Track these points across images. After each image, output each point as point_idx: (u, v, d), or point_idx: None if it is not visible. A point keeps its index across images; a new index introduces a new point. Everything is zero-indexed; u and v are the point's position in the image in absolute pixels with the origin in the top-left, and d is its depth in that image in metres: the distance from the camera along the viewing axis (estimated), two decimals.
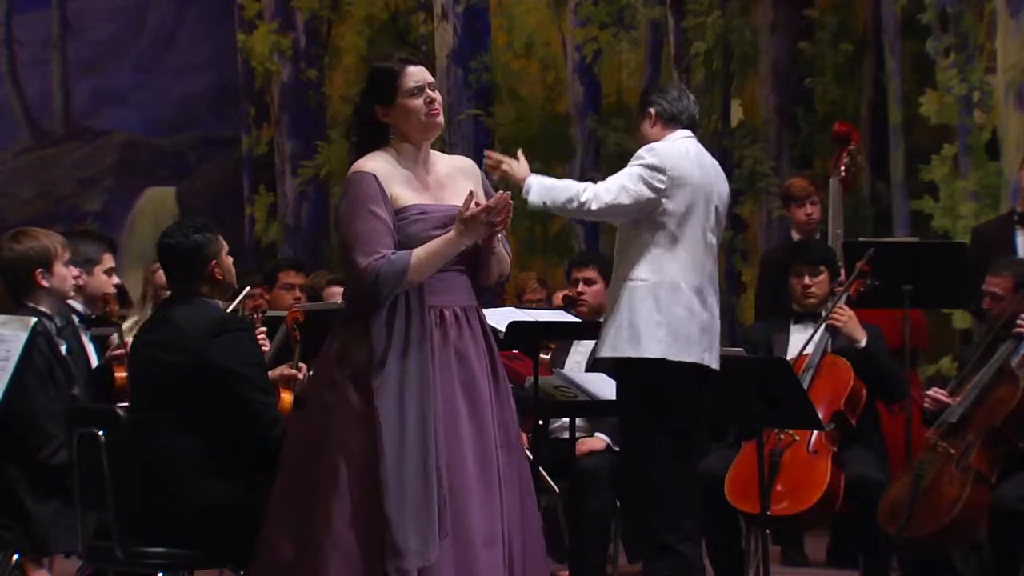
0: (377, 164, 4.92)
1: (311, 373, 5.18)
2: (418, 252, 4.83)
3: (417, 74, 4.98)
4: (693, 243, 6.15)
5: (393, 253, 4.82)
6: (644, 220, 6.12)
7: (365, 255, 4.80)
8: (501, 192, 4.89)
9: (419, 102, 4.94)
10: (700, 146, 6.30)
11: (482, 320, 5.00)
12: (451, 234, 4.86)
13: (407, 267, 4.80)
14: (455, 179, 5.03)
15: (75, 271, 6.20)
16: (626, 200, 6.08)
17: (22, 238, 6.13)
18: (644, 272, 6.11)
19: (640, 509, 6.31)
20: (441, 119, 5.01)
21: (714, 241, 6.25)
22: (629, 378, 6.19)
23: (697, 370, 6.12)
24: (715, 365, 6.17)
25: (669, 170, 6.10)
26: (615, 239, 6.34)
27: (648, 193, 6.09)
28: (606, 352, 6.19)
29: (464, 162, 5.14)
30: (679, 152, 6.17)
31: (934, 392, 6.66)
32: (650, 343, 6.06)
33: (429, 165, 5.02)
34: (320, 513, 4.78)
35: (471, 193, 4.90)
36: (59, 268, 6.10)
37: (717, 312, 6.23)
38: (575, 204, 6.09)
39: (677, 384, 6.09)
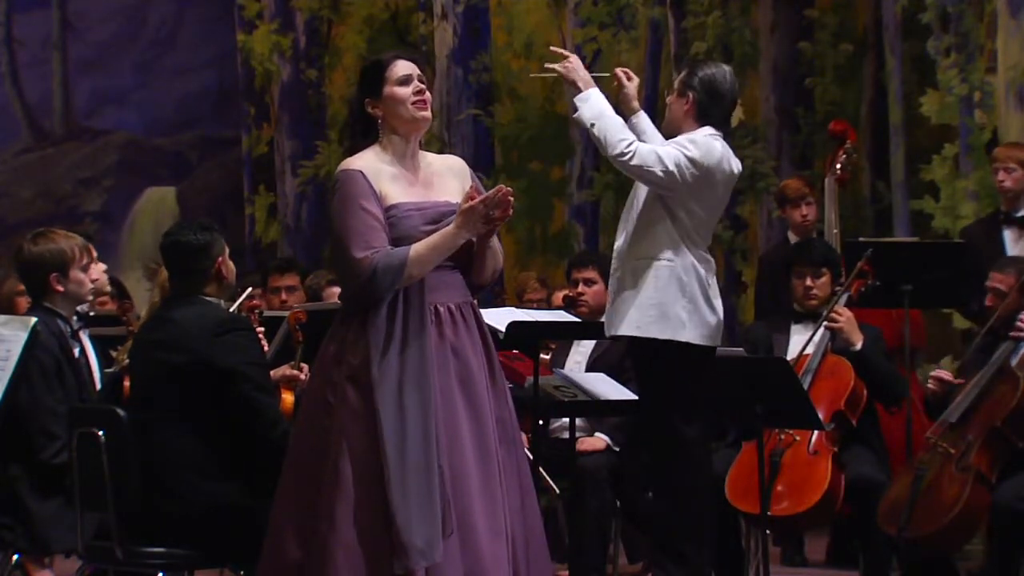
0: (364, 161, 4.92)
1: (310, 374, 5.17)
2: (416, 246, 4.82)
3: (407, 66, 4.98)
4: (703, 239, 6.17)
5: (390, 248, 4.82)
6: (666, 207, 6.09)
7: (361, 249, 4.79)
8: (500, 186, 4.88)
9: (406, 91, 4.94)
10: (728, 147, 6.22)
11: (478, 316, 4.99)
12: (449, 228, 4.85)
13: (405, 261, 4.79)
14: (444, 177, 5.03)
15: (95, 275, 6.18)
16: (658, 171, 6.01)
17: (40, 240, 6.12)
18: (670, 254, 6.09)
19: (660, 511, 6.24)
20: (428, 113, 4.99)
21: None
22: (653, 360, 6.11)
23: (712, 356, 6.13)
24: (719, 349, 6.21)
25: (704, 167, 6.06)
26: (616, 228, 6.31)
27: (676, 177, 6.03)
28: (627, 330, 6.12)
29: (454, 161, 5.14)
30: (716, 153, 6.11)
31: (938, 372, 6.66)
32: (678, 326, 6.04)
33: (418, 162, 5.01)
34: (325, 513, 4.78)
35: (472, 187, 4.91)
36: (75, 273, 6.08)
37: (720, 301, 6.24)
38: (616, 149, 5.99)
39: (700, 370, 6.08)
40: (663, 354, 6.06)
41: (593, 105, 6.06)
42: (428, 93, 4.99)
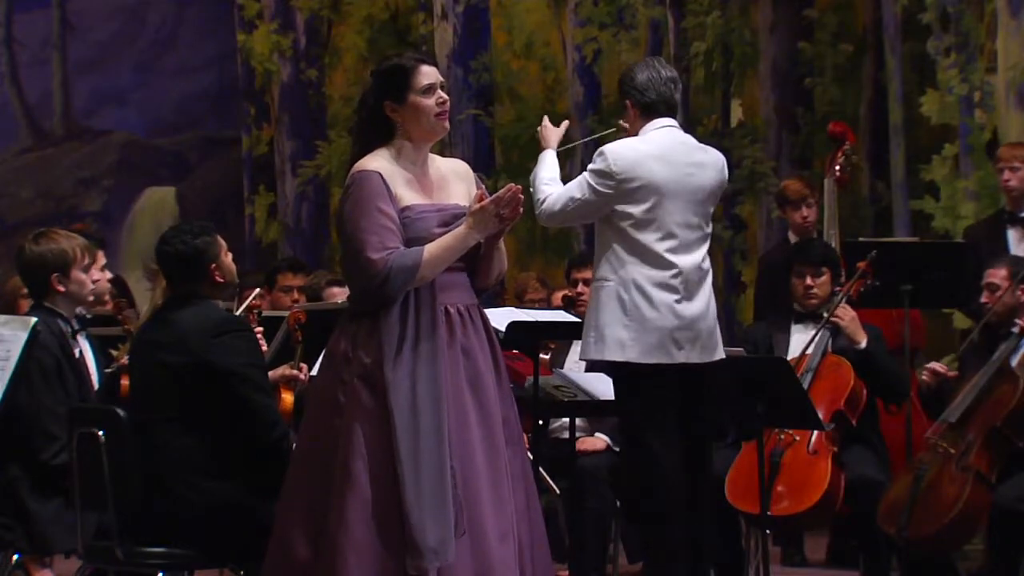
0: (381, 163, 4.93)
1: (317, 372, 5.16)
2: (429, 247, 4.84)
3: (431, 73, 4.99)
4: (660, 241, 5.96)
5: (403, 249, 4.83)
6: (606, 222, 6.04)
7: (376, 251, 4.80)
8: (510, 184, 4.90)
9: (430, 101, 4.96)
10: (677, 135, 6.09)
11: (484, 318, 5.02)
12: (461, 228, 4.88)
13: (419, 262, 4.81)
14: (451, 181, 5.06)
15: (96, 275, 6.17)
16: (571, 208, 6.02)
17: (42, 240, 6.12)
18: (609, 272, 6.00)
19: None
20: (448, 124, 5.02)
21: (697, 232, 6.02)
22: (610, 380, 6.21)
23: (674, 369, 5.98)
24: (699, 359, 5.97)
25: (619, 174, 5.95)
26: None
27: (593, 199, 5.98)
28: (581, 355, 6.16)
29: (459, 165, 5.16)
30: (637, 152, 6.00)
31: (933, 364, 6.67)
32: (613, 345, 5.95)
33: (427, 166, 5.03)
34: (336, 513, 4.78)
35: (482, 189, 4.94)
36: (77, 273, 6.08)
37: (700, 305, 5.99)
38: (535, 199, 6.09)
39: (645, 385, 5.98)
40: (613, 374, 6.07)
41: (539, 160, 6.18)
42: (447, 102, 5.00)
